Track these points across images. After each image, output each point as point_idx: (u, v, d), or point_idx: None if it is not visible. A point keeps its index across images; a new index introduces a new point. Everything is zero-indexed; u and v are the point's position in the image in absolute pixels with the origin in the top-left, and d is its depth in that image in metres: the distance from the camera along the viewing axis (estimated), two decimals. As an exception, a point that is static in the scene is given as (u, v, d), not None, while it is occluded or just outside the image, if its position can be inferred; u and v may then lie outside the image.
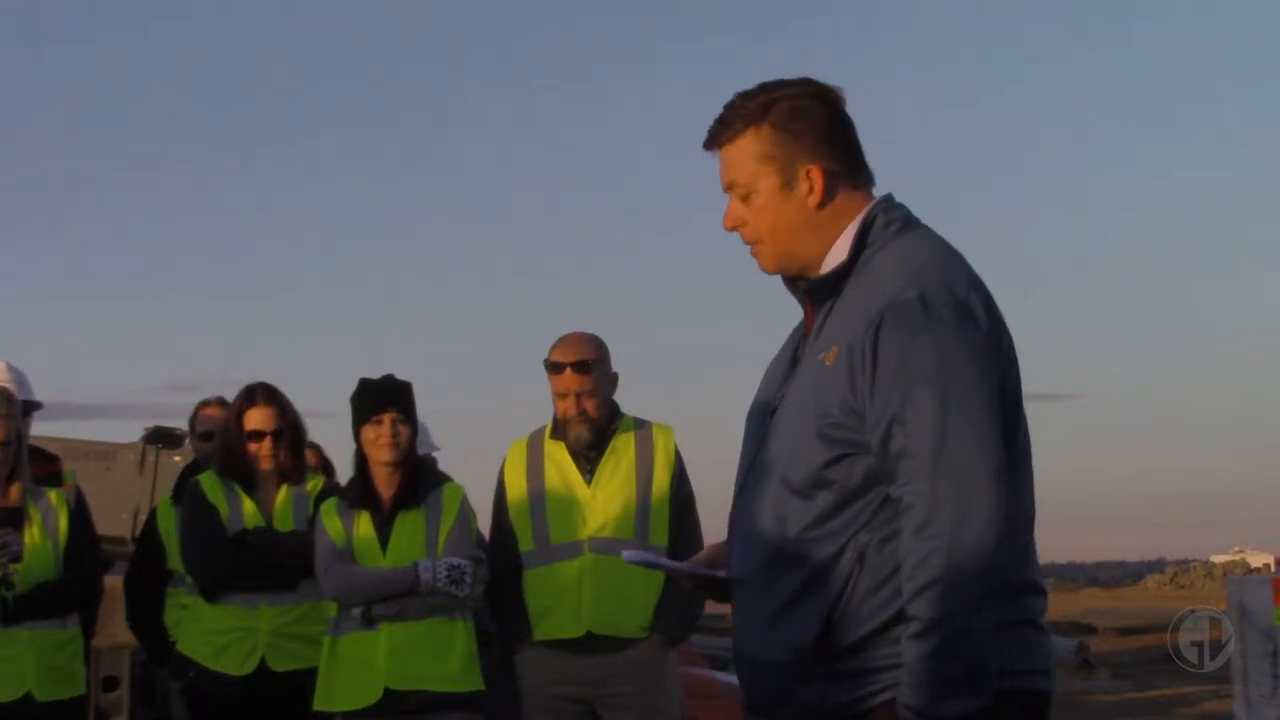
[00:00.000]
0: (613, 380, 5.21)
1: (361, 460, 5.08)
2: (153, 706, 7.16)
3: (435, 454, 6.79)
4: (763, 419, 2.83)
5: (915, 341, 2.57)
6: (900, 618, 2.56)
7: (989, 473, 2.53)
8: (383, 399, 5.05)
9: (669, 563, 3.58)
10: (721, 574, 2.88)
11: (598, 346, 5.17)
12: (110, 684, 7.68)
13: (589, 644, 5.01)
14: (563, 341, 5.16)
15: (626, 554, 3.21)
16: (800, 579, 2.65)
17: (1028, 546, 2.71)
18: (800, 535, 2.66)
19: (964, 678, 2.50)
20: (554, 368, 5.11)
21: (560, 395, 5.11)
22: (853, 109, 2.83)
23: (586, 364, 5.09)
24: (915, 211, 2.83)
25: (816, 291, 2.78)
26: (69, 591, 5.22)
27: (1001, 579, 2.54)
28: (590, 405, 5.09)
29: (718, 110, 2.83)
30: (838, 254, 2.76)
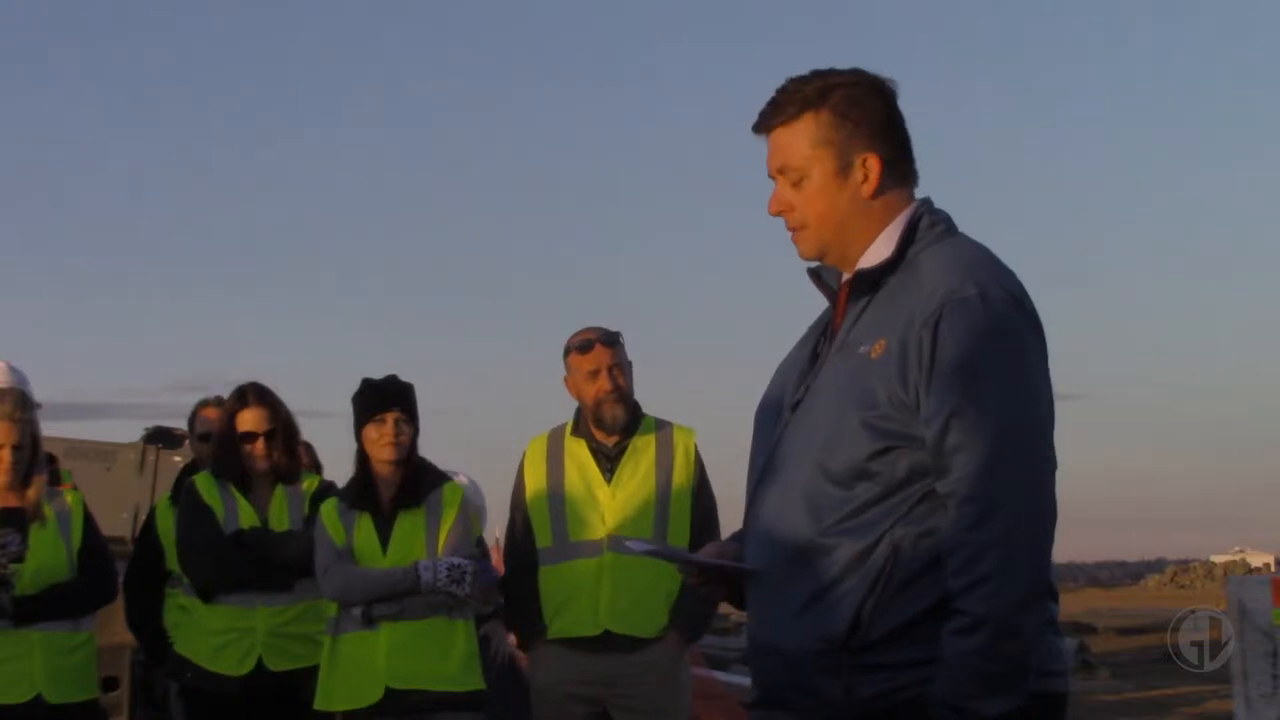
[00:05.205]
0: (630, 367, 5.21)
1: (362, 460, 5.08)
2: (153, 706, 7.17)
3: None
4: (779, 414, 2.77)
5: (977, 337, 2.53)
6: (931, 615, 2.52)
7: (1048, 471, 2.53)
8: (386, 399, 5.06)
9: (682, 553, 3.47)
10: (743, 564, 2.78)
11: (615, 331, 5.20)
12: (110, 684, 7.67)
13: (605, 643, 4.98)
14: (580, 331, 5.18)
15: (630, 543, 3.14)
16: (833, 569, 2.58)
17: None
18: (835, 525, 2.60)
19: (1005, 676, 2.47)
20: (584, 345, 5.11)
21: (592, 374, 5.09)
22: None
23: (614, 335, 5.13)
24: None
25: (858, 285, 2.72)
26: (81, 594, 5.16)
27: (1047, 578, 2.53)
28: (623, 380, 5.10)
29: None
30: (881, 248, 2.71)
